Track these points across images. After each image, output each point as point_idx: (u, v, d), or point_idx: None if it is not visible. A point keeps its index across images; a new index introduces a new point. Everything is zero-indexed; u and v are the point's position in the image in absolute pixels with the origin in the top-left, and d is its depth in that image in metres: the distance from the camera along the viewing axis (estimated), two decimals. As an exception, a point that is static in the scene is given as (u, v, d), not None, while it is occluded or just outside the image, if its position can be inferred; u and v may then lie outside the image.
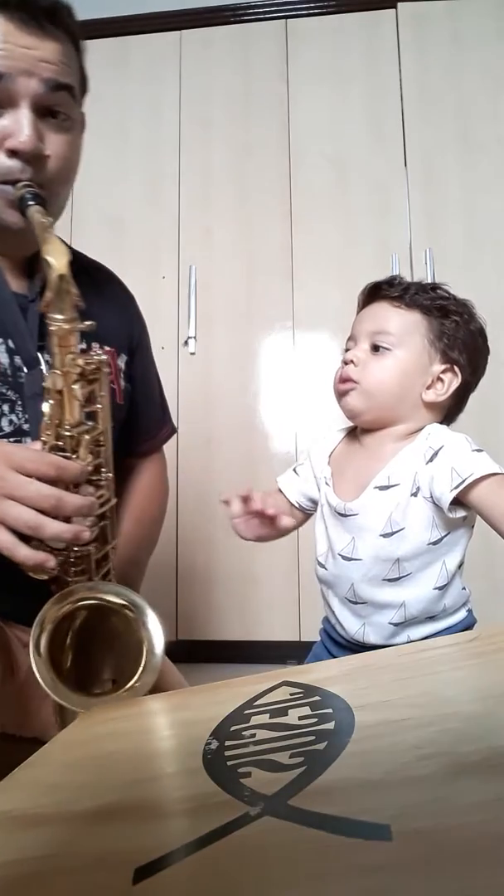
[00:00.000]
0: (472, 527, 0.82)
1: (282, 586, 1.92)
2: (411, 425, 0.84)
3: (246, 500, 0.84)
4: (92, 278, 0.72)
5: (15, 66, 0.69)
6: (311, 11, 2.11)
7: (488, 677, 0.44)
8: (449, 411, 0.87)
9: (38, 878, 0.30)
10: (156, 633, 0.66)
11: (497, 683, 0.41)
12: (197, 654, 1.73)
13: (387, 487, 0.81)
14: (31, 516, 0.61)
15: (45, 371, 0.79)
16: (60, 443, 0.67)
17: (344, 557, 0.84)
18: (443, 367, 0.83)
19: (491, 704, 0.38)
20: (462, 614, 0.83)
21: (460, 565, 0.82)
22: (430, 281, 0.88)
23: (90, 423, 0.70)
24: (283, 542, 1.94)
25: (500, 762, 0.30)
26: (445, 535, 0.79)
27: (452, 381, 0.83)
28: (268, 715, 0.44)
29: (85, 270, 0.90)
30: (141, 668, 0.64)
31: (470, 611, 0.85)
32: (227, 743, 0.41)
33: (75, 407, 0.68)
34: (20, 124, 0.70)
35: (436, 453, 0.78)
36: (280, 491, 0.94)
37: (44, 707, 0.84)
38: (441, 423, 0.86)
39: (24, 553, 0.62)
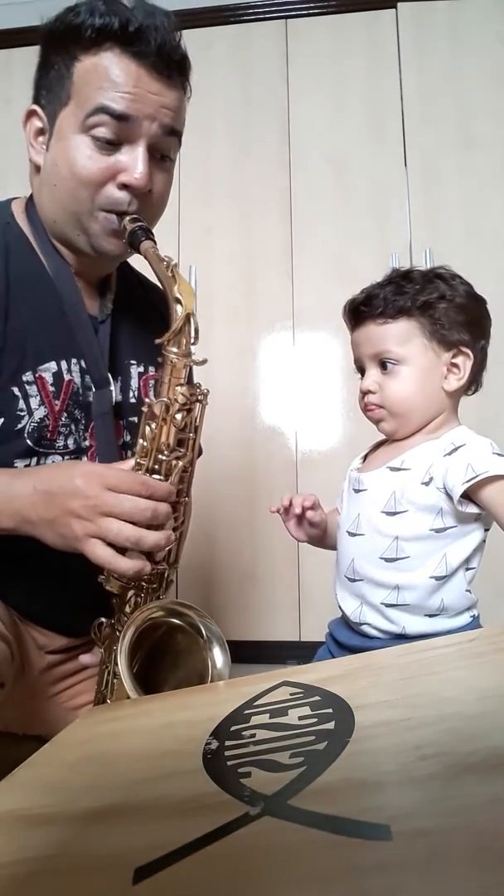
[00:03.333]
0: (487, 529, 0.82)
1: (282, 586, 1.92)
2: (443, 417, 0.85)
3: (288, 508, 0.92)
4: (149, 297, 0.76)
5: (142, 110, 0.73)
6: (311, 11, 2.11)
7: (488, 677, 0.44)
8: (470, 382, 0.87)
9: (38, 878, 0.30)
10: (221, 663, 0.68)
11: (497, 683, 0.41)
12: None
13: (398, 469, 0.83)
14: (131, 531, 0.65)
15: (112, 391, 0.84)
16: (156, 466, 0.71)
17: (349, 534, 0.87)
18: (451, 353, 0.84)
19: (491, 704, 0.38)
20: (466, 619, 0.83)
21: (468, 566, 0.82)
22: (422, 273, 0.87)
23: (182, 450, 0.74)
24: (283, 542, 1.93)
25: (500, 762, 0.30)
26: (452, 527, 0.80)
27: (466, 362, 0.84)
28: (268, 715, 0.44)
29: (145, 289, 0.93)
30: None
31: (475, 617, 0.84)
32: (227, 743, 0.41)
33: (172, 434, 0.72)
34: (136, 162, 0.74)
35: (456, 448, 0.79)
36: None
37: (51, 706, 0.85)
38: (467, 392, 0.88)
39: (125, 564, 0.66)
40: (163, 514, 0.67)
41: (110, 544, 0.65)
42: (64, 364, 0.80)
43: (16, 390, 0.77)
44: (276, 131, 2.07)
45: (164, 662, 0.72)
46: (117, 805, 0.36)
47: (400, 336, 0.83)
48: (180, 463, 0.72)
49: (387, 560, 0.82)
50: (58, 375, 0.80)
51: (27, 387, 0.78)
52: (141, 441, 0.72)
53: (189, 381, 0.75)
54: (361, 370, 0.89)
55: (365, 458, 0.95)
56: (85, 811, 0.36)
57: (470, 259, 1.93)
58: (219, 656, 0.68)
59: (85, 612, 0.77)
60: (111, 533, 0.64)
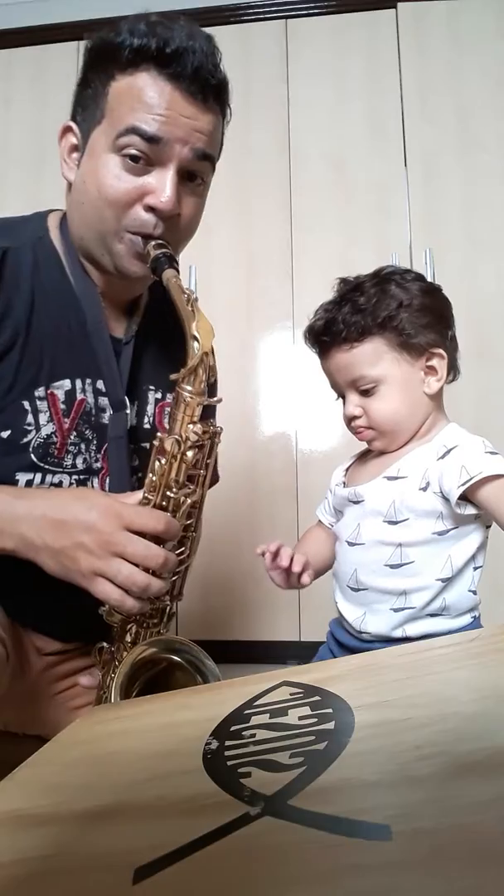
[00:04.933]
0: (488, 527, 0.82)
1: (282, 586, 1.92)
2: (431, 418, 0.85)
3: (275, 555, 0.87)
4: (180, 325, 0.75)
5: (173, 133, 0.72)
6: (311, 11, 2.11)
7: (488, 677, 0.44)
8: (449, 371, 0.86)
9: (38, 878, 0.30)
10: None
11: (497, 683, 0.41)
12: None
13: (395, 478, 0.83)
14: (142, 577, 0.64)
15: (129, 415, 0.83)
16: (163, 502, 0.70)
17: (349, 543, 0.86)
18: (424, 358, 0.83)
19: (491, 704, 0.38)
20: (466, 620, 0.83)
21: (475, 566, 0.82)
22: (372, 283, 0.84)
23: (191, 486, 0.73)
24: (284, 542, 1.93)
25: (500, 762, 0.30)
26: (453, 529, 0.80)
27: (441, 362, 0.83)
28: (268, 715, 0.44)
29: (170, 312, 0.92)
30: None
31: (476, 618, 0.84)
32: (227, 743, 0.41)
33: (183, 471, 0.71)
34: (164, 184, 0.73)
35: (448, 451, 0.79)
36: (319, 522, 0.98)
37: (52, 707, 0.85)
38: (447, 381, 0.86)
39: (131, 604, 0.66)
40: (171, 564, 0.67)
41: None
42: (79, 383, 0.80)
43: (26, 404, 0.76)
44: (276, 131, 2.08)
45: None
46: (117, 805, 0.36)
47: (369, 358, 0.81)
48: (188, 500, 0.71)
49: (392, 567, 0.81)
50: (70, 394, 0.79)
51: (38, 402, 0.77)
52: (150, 475, 0.71)
53: (205, 416, 0.74)
54: (340, 395, 0.88)
55: (347, 469, 0.94)
56: (85, 811, 0.36)
57: (470, 259, 1.93)
58: None
59: (75, 619, 0.76)
60: (120, 575, 0.63)
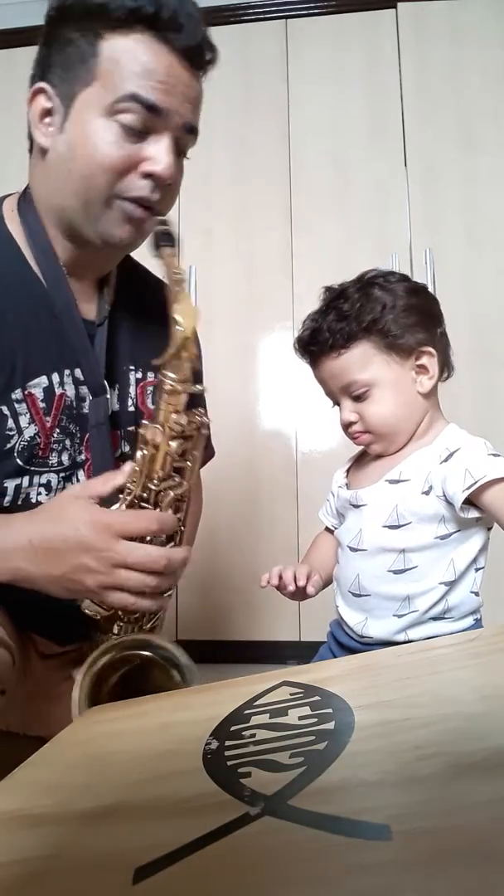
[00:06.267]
0: (489, 528, 0.82)
1: (282, 586, 1.92)
2: (428, 418, 0.85)
3: (279, 582, 0.88)
4: (156, 297, 0.73)
5: (172, 103, 0.70)
6: (311, 11, 2.11)
7: (489, 677, 0.44)
8: (441, 372, 0.86)
9: (38, 878, 0.30)
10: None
11: (497, 683, 0.41)
12: (197, 654, 1.72)
13: (397, 482, 0.82)
14: (152, 580, 0.64)
15: (109, 399, 0.81)
16: (144, 494, 0.68)
17: (351, 549, 0.86)
18: (414, 357, 0.83)
19: (491, 704, 0.38)
20: (468, 622, 0.83)
21: (477, 568, 0.82)
22: (356, 288, 0.84)
23: (177, 478, 0.70)
24: (284, 543, 1.93)
25: (501, 762, 0.30)
26: (455, 532, 0.80)
27: (432, 360, 0.83)
28: (268, 715, 0.44)
29: (152, 288, 0.88)
30: None
31: (477, 620, 0.84)
32: (227, 743, 0.41)
33: (168, 463, 0.69)
34: (162, 153, 0.71)
35: (451, 454, 0.78)
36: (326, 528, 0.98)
37: (54, 709, 0.84)
38: (441, 379, 0.86)
39: (147, 603, 0.66)
40: (177, 561, 0.66)
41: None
42: (56, 377, 0.77)
43: (4, 409, 0.74)
44: (276, 131, 2.07)
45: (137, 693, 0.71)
46: (117, 805, 0.36)
47: (358, 362, 0.81)
48: (172, 493, 0.69)
49: (395, 572, 0.81)
50: (48, 390, 0.76)
51: (16, 405, 0.74)
52: (133, 465, 0.69)
53: (192, 405, 0.71)
54: (335, 402, 0.88)
55: (348, 471, 0.93)
56: (85, 811, 0.36)
57: (470, 259, 1.93)
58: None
59: (72, 622, 0.75)
60: (129, 583, 0.63)
